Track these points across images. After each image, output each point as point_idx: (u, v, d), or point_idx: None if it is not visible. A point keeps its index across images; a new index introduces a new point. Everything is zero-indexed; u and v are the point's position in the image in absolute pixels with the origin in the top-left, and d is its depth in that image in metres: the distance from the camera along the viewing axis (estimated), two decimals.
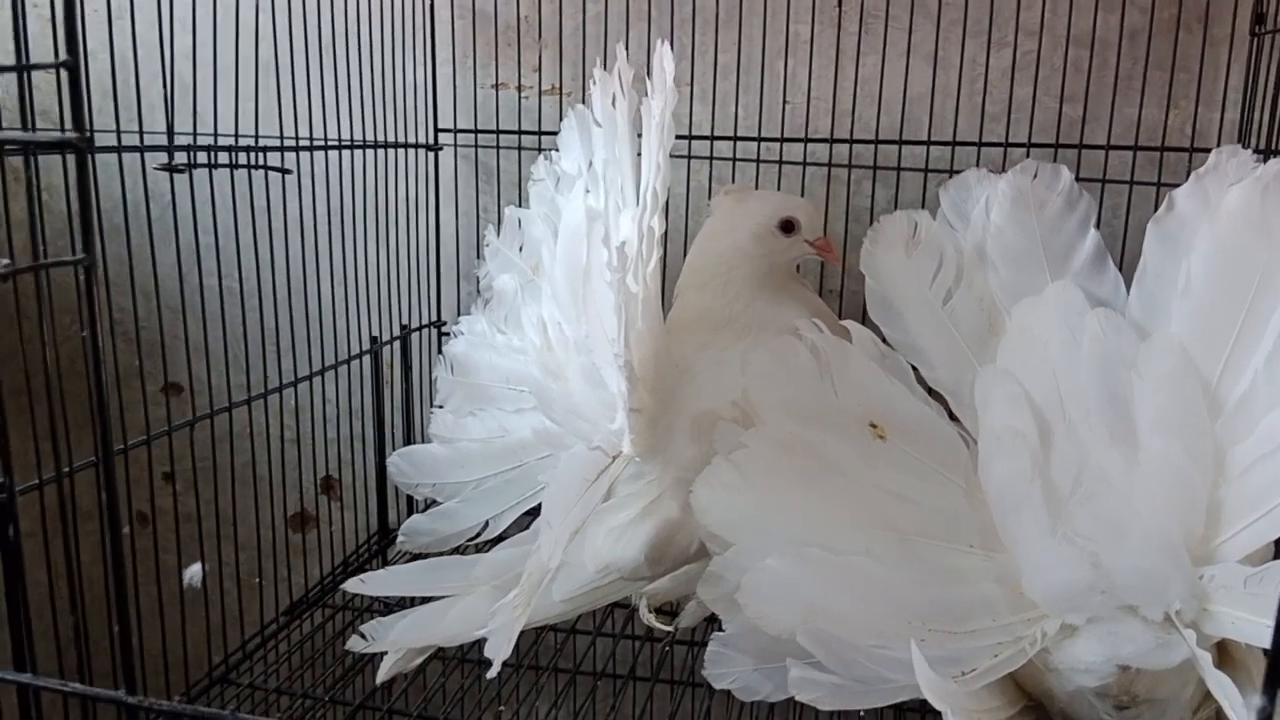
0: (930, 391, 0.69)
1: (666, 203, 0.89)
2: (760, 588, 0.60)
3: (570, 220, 0.76)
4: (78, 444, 0.61)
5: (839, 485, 0.65)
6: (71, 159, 0.40)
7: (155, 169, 0.65)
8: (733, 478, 0.65)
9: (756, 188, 0.92)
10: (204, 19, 0.75)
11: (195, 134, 0.71)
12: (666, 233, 0.94)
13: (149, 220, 0.74)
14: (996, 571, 0.63)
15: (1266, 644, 0.57)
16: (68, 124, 0.40)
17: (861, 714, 0.64)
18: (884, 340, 0.70)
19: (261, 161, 0.72)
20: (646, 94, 0.66)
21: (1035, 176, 0.69)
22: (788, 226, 0.80)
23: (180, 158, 0.66)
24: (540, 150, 0.96)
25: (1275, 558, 0.63)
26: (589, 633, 0.89)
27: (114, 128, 0.65)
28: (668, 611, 0.81)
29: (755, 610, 0.60)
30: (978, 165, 0.87)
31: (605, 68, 0.71)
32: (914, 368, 0.69)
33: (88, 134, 0.38)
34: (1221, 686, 0.54)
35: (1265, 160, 0.64)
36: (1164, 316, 0.63)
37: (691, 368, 0.77)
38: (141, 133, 0.64)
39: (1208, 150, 0.66)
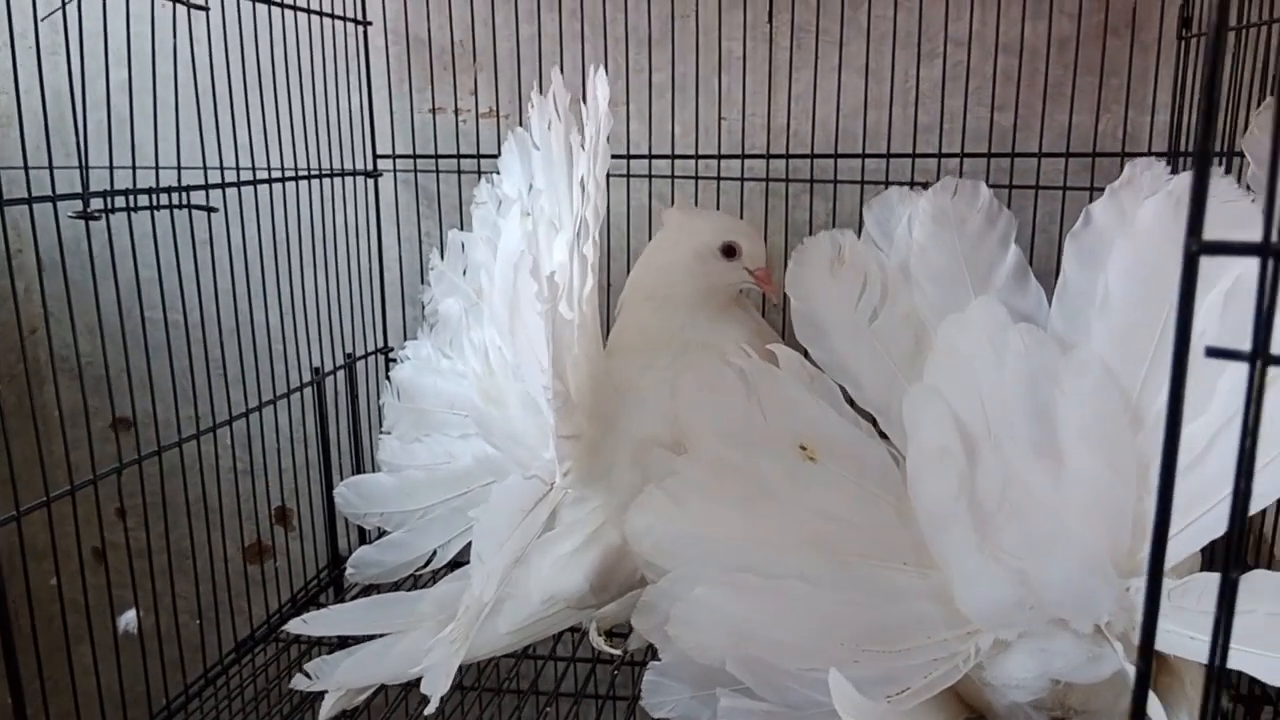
0: (861, 412, 0.70)
1: (607, 222, 0.90)
2: (690, 617, 0.61)
3: (507, 245, 0.75)
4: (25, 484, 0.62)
5: (771, 508, 0.66)
6: None
7: (70, 217, 0.64)
8: (665, 505, 0.65)
9: (696, 205, 0.92)
10: (117, 49, 0.74)
11: (112, 175, 0.70)
12: (609, 252, 0.95)
13: (91, 258, 0.74)
14: (930, 589, 0.64)
15: (1191, 655, 0.58)
16: None
17: None
18: (812, 361, 0.70)
19: (185, 200, 0.72)
20: (583, 116, 0.66)
21: (955, 194, 0.69)
22: (729, 251, 0.79)
23: (97, 204, 0.65)
24: (480, 173, 0.96)
25: (1203, 568, 0.64)
26: (543, 656, 0.89)
27: (49, 170, 0.64)
28: (619, 633, 0.81)
29: (686, 640, 0.60)
30: (912, 176, 0.88)
31: (541, 91, 0.71)
32: (843, 388, 0.69)
33: None
34: (1150, 702, 0.54)
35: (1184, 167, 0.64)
36: (1085, 331, 0.64)
37: (632, 390, 0.77)
38: (53, 179, 0.63)
39: (1140, 154, 0.66)
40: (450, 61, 0.95)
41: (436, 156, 0.97)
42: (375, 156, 0.97)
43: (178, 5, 0.72)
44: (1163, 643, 0.58)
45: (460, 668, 0.87)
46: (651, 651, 0.72)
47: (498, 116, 0.96)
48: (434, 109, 0.97)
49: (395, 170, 0.98)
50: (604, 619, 0.79)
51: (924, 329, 0.68)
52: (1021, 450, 0.62)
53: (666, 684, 0.65)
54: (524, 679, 0.88)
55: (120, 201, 0.68)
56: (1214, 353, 0.23)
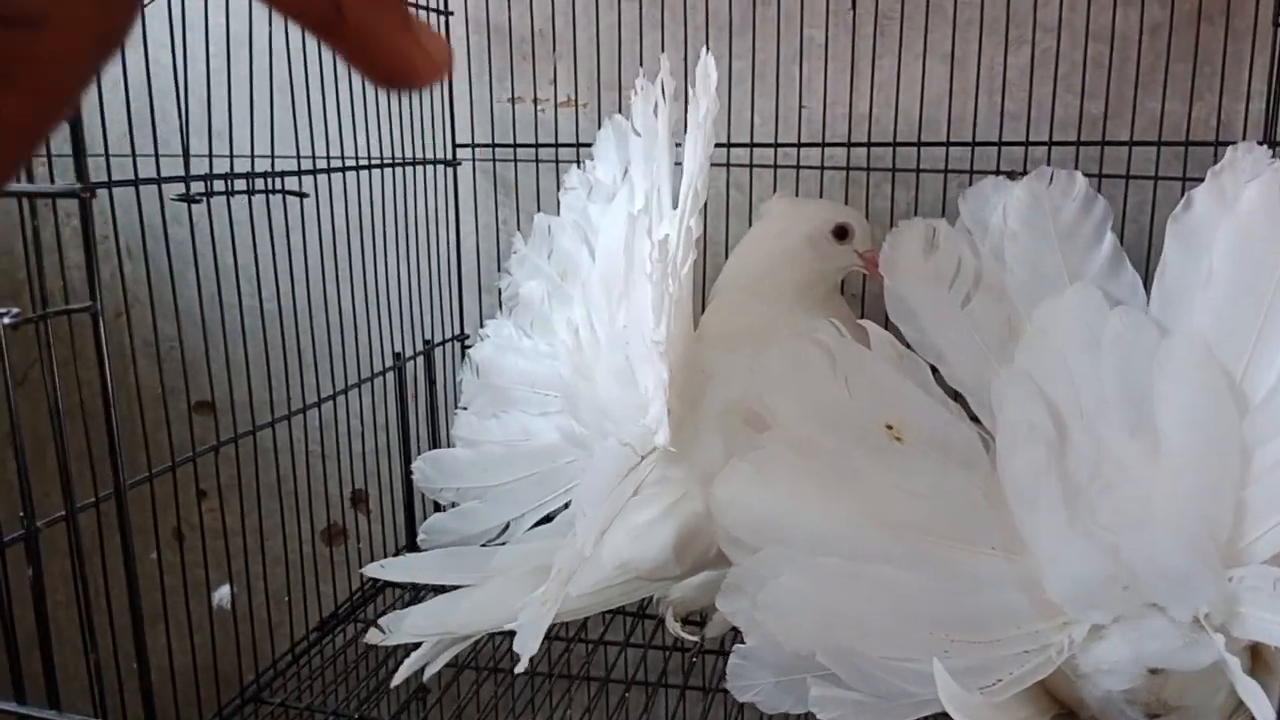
0: (951, 393, 0.69)
1: None
2: (777, 603, 0.60)
3: (613, 223, 0.77)
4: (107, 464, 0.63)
5: (856, 488, 0.65)
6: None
7: (173, 199, 0.66)
8: (750, 478, 0.65)
9: (774, 193, 0.91)
10: (218, 43, 0.76)
11: (211, 161, 0.72)
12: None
13: (174, 246, 0.76)
14: (1019, 576, 0.62)
15: None
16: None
17: None
18: (903, 342, 0.70)
19: (278, 185, 0.73)
20: (687, 104, 0.66)
21: (1051, 182, 0.68)
22: (841, 233, 0.80)
23: (197, 187, 0.67)
24: (558, 162, 0.97)
25: None
26: (618, 643, 0.89)
27: (136, 158, 0.66)
28: (695, 621, 0.81)
29: (772, 626, 0.60)
30: (998, 165, 0.87)
31: (638, 77, 0.72)
32: (934, 369, 0.68)
33: (89, 185, 0.39)
34: (1251, 693, 0.53)
35: None
36: (1186, 314, 0.62)
37: (718, 372, 0.77)
38: (158, 164, 0.65)
39: (1233, 143, 0.64)
40: (530, 51, 0.96)
41: (515, 145, 0.98)
42: (455, 146, 0.98)
43: None
44: (1267, 634, 0.56)
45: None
46: (731, 637, 0.71)
47: (576, 105, 0.97)
48: (513, 98, 0.98)
49: (474, 159, 0.99)
50: (681, 605, 0.79)
51: (1017, 314, 0.67)
52: (1116, 429, 0.61)
53: (751, 668, 0.64)
54: (599, 668, 0.88)
55: (219, 185, 0.69)
56: None
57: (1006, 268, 0.68)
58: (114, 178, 0.63)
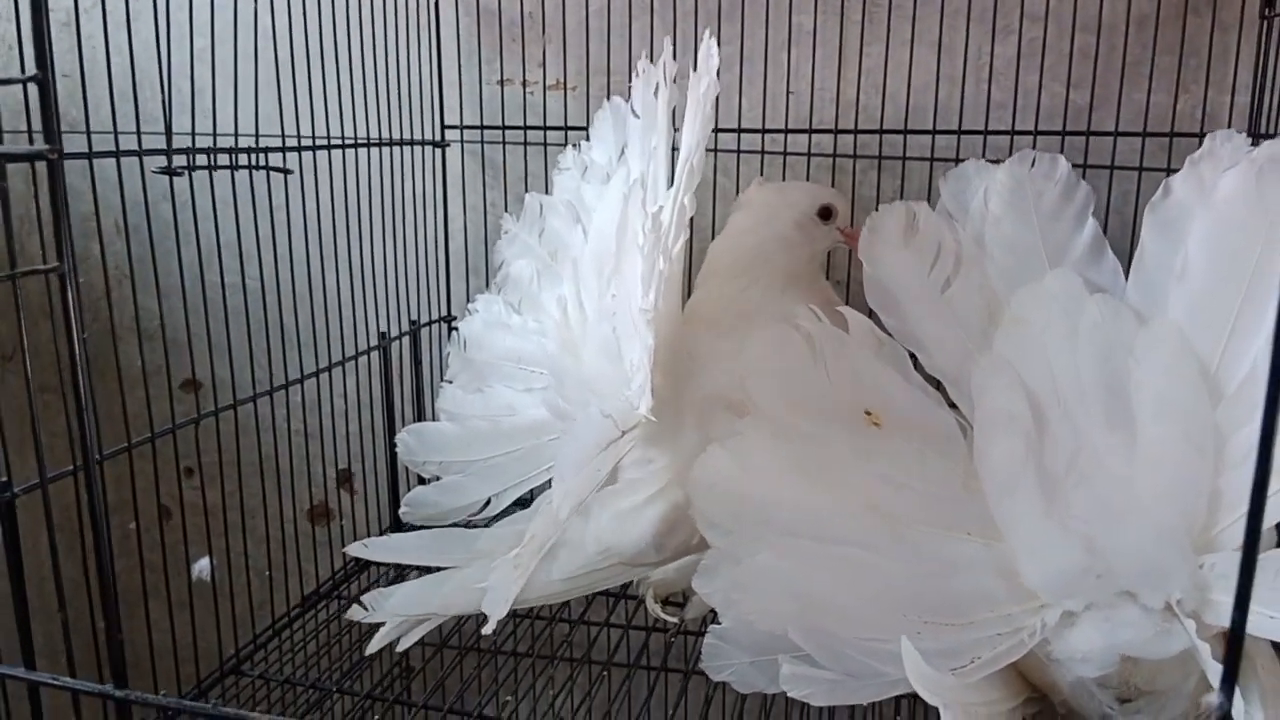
0: (931, 380, 0.69)
1: None
2: (752, 583, 0.61)
3: (608, 204, 0.78)
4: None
5: (834, 473, 0.65)
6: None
7: (154, 172, 0.66)
8: (727, 463, 0.65)
9: (761, 177, 0.92)
10: (203, 20, 0.76)
11: (194, 136, 0.72)
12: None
13: (158, 223, 0.76)
14: (995, 561, 0.63)
15: (1270, 634, 0.57)
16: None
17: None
18: (884, 329, 0.70)
19: (262, 162, 0.73)
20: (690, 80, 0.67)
21: (1033, 166, 0.69)
22: (826, 213, 0.82)
23: (180, 161, 0.67)
24: (546, 145, 0.97)
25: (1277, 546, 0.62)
26: (599, 623, 0.90)
27: (118, 134, 0.66)
28: (675, 603, 0.82)
29: (747, 606, 0.61)
30: (984, 153, 0.87)
31: (640, 59, 0.72)
32: (913, 356, 0.69)
33: (58, 147, 0.39)
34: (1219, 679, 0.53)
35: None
36: (1162, 302, 0.63)
37: (703, 356, 0.78)
38: (140, 136, 0.65)
39: None
40: (519, 34, 0.96)
41: (504, 128, 0.98)
42: (444, 127, 0.99)
43: None
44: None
45: (515, 632, 0.89)
46: (710, 618, 0.72)
47: (565, 89, 0.97)
48: (502, 80, 0.98)
49: (463, 140, 0.99)
50: (661, 586, 0.80)
51: (997, 300, 0.68)
52: (1093, 419, 0.61)
53: (726, 648, 0.65)
54: (578, 647, 0.89)
55: (201, 160, 0.70)
56: None
57: (987, 252, 0.68)
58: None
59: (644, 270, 0.64)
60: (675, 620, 0.79)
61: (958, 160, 0.86)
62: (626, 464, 0.77)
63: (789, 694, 0.59)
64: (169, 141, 0.67)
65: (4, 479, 0.54)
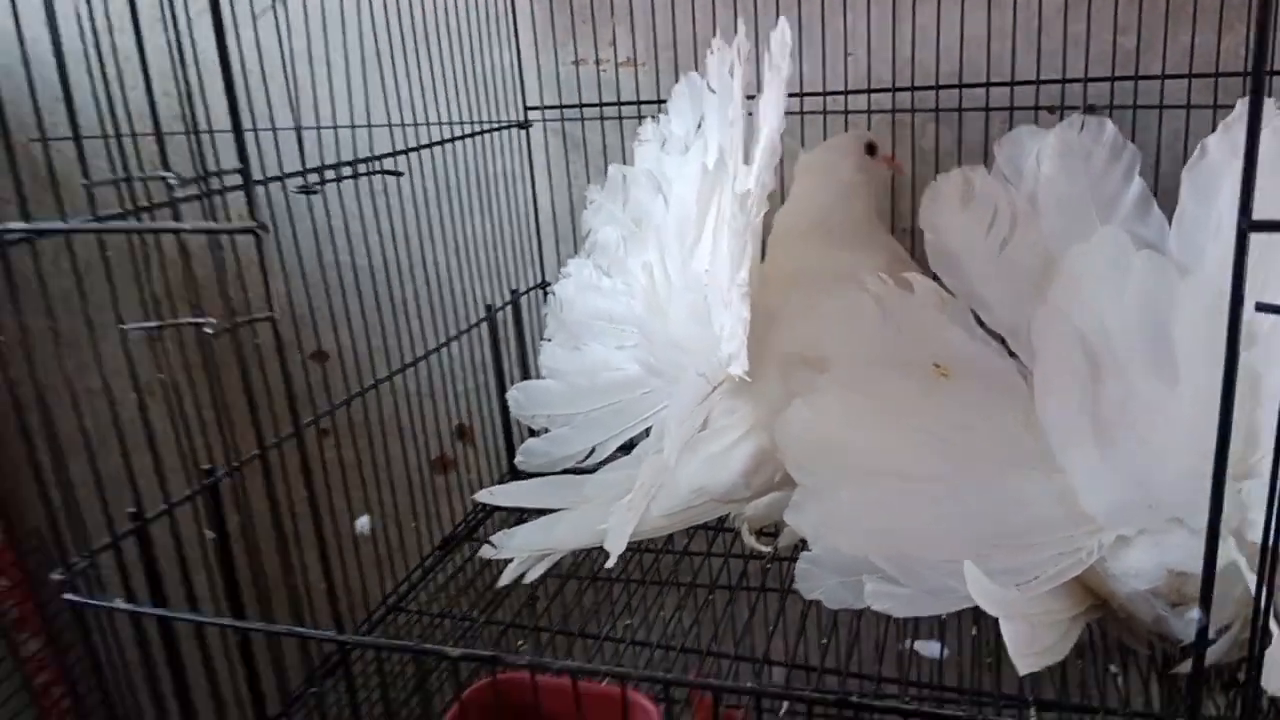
0: (992, 334, 0.76)
1: None
2: (836, 516, 0.69)
3: (688, 174, 0.85)
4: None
5: (907, 420, 0.73)
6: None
7: (294, 192, 0.76)
8: (809, 416, 0.74)
9: (825, 139, 0.98)
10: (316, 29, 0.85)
11: (321, 154, 0.81)
12: None
13: (298, 224, 0.86)
14: (1055, 491, 0.71)
15: None
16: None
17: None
18: (946, 288, 0.77)
19: (377, 168, 0.83)
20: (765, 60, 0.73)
21: (1082, 129, 0.74)
22: (871, 149, 0.91)
23: (312, 178, 0.77)
24: (621, 119, 1.04)
25: None
26: (701, 553, 1.00)
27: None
28: (769, 533, 0.91)
29: (833, 536, 0.69)
30: (1036, 102, 0.92)
31: (714, 37, 0.79)
32: (975, 312, 0.76)
33: (264, 224, 0.48)
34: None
35: None
36: (1200, 257, 0.69)
37: (780, 314, 0.85)
38: (280, 162, 0.75)
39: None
40: (590, 16, 1.03)
41: (581, 105, 1.06)
42: (526, 109, 1.06)
43: None
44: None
45: (627, 565, 0.99)
46: (800, 545, 0.81)
47: (635, 65, 1.04)
48: (576, 61, 1.05)
49: (544, 120, 1.07)
50: (754, 520, 0.89)
51: (1051, 257, 0.74)
52: (1141, 367, 0.68)
53: (817, 571, 0.73)
54: (684, 574, 0.99)
55: (330, 174, 0.79)
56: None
57: (1040, 211, 0.75)
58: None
59: (735, 249, 0.71)
60: (768, 550, 0.89)
61: (1011, 108, 0.92)
62: (714, 413, 0.86)
63: (873, 608, 0.67)
64: (303, 163, 0.77)
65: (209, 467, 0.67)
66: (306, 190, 0.77)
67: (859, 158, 0.89)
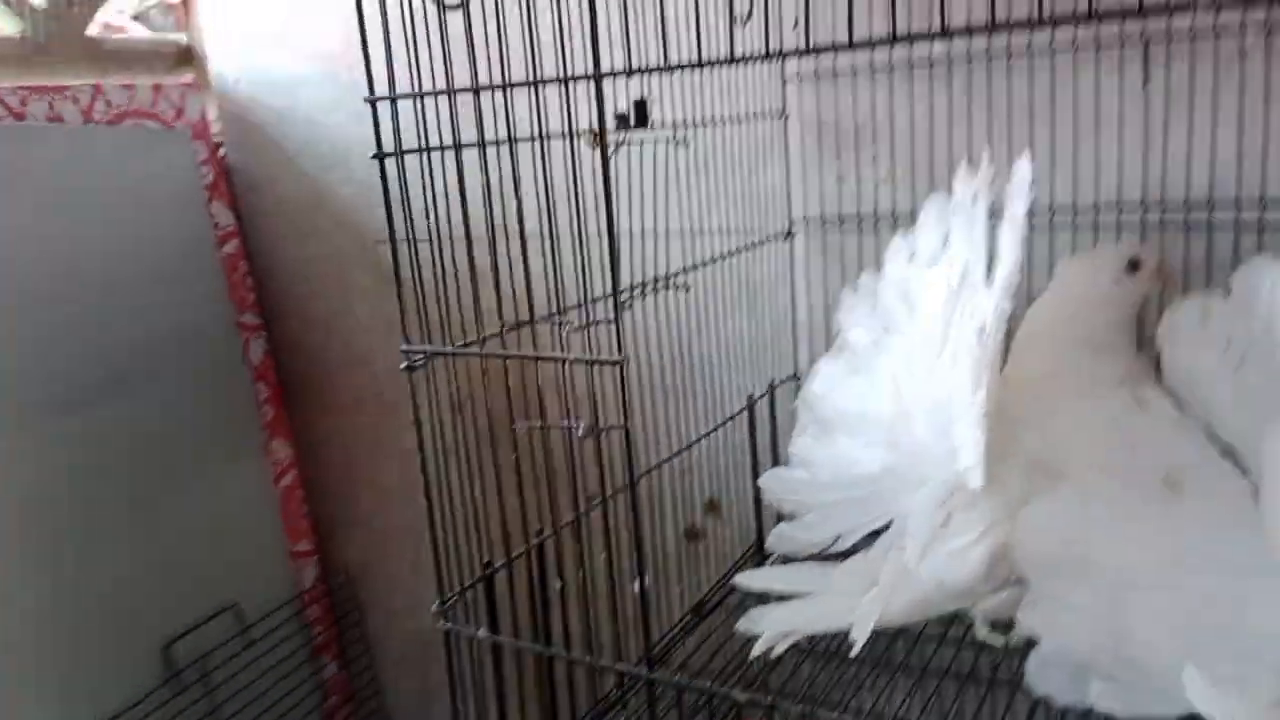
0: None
1: None
2: (1069, 617, 0.75)
3: (933, 288, 0.92)
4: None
5: (1138, 529, 0.78)
6: None
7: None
8: (1045, 520, 0.80)
9: (1073, 251, 1.04)
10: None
11: (631, 270, 0.98)
12: None
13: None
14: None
15: None
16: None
17: None
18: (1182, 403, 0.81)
19: (672, 284, 0.99)
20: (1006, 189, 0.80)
21: None
22: (1134, 265, 0.94)
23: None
24: (877, 230, 1.15)
25: None
26: (935, 638, 1.06)
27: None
28: (1003, 625, 0.96)
29: (1065, 635, 0.75)
30: None
31: (962, 161, 0.87)
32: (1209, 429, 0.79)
33: (623, 356, 0.64)
34: None
35: None
36: None
37: (1022, 419, 0.91)
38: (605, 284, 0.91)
39: None
40: (853, 141, 1.15)
41: (840, 218, 1.18)
42: (790, 220, 1.20)
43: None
44: None
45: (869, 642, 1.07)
46: (1031, 641, 0.86)
47: (894, 181, 1.14)
48: (839, 178, 1.18)
49: (806, 230, 1.20)
50: (989, 613, 0.94)
51: None
52: None
53: (1047, 668, 0.79)
54: (915, 658, 1.05)
55: (638, 291, 0.96)
56: None
57: (1275, 340, 0.77)
58: None
59: (974, 371, 0.79)
60: (1001, 643, 0.94)
61: (1261, 230, 0.94)
62: (955, 511, 0.93)
63: (1097, 708, 0.72)
64: (615, 286, 0.91)
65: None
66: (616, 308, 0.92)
67: (1117, 272, 0.93)
